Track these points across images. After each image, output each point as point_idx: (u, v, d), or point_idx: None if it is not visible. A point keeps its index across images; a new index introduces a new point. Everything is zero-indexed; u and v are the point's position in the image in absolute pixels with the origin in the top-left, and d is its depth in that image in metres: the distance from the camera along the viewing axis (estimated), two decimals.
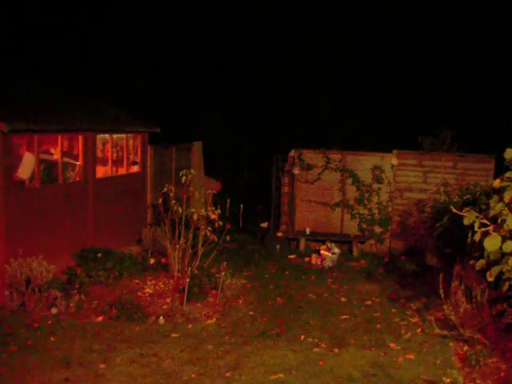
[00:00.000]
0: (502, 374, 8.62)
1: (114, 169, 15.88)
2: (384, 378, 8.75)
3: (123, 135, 16.10)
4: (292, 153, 18.09)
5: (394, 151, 17.59)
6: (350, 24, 29.15)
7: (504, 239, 7.25)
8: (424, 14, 28.73)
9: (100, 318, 11.01)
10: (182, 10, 29.08)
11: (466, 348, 9.73)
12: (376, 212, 17.69)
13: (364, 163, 17.72)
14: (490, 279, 7.84)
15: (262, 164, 21.47)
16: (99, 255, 13.42)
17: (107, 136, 15.50)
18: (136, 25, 27.90)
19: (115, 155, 16.01)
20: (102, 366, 8.92)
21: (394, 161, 17.47)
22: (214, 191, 16.74)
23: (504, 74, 26.42)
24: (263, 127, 26.54)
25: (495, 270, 7.70)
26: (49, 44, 25.69)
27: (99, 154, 15.45)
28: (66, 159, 13.94)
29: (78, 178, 14.26)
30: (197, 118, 26.03)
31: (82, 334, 10.24)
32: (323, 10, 29.66)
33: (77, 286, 11.96)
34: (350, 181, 17.78)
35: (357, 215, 17.81)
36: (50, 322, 10.68)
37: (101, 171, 15.27)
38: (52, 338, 9.95)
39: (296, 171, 17.86)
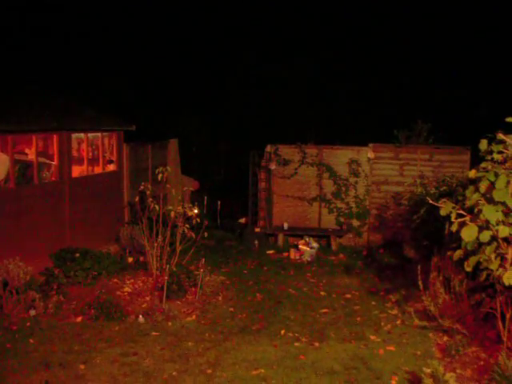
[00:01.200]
0: (482, 363, 8.69)
1: (90, 168, 15.78)
2: (365, 370, 8.78)
3: (98, 134, 16.01)
4: (268, 148, 18.09)
5: (370, 144, 17.65)
6: (326, 16, 29.18)
7: (481, 229, 7.31)
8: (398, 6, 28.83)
9: (79, 319, 10.93)
10: (157, 8, 28.96)
11: (445, 338, 9.80)
12: (353, 206, 17.75)
13: (340, 157, 17.77)
14: (468, 269, 7.92)
15: (238, 160, 21.44)
16: (77, 255, 13.32)
17: (82, 135, 15.40)
18: (112, 23, 27.74)
19: (91, 154, 15.91)
20: (82, 366, 8.86)
21: (371, 154, 17.54)
22: (192, 188, 16.74)
23: (478, 67, 26.60)
24: (239, 123, 26.49)
25: (473, 260, 7.77)
26: (21, 41, 25.45)
27: (75, 154, 15.35)
28: (41, 159, 13.83)
29: (53, 178, 14.16)
30: (172, 116, 25.91)
31: (62, 335, 10.16)
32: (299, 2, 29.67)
33: (55, 286, 11.85)
34: (326, 175, 17.82)
35: (334, 209, 17.85)
36: (28, 323, 10.59)
37: (77, 171, 15.17)
38: (31, 340, 9.86)
39: (273, 166, 17.87)
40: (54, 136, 14.12)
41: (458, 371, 8.48)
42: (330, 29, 28.94)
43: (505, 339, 8.21)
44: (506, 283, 7.27)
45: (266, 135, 20.58)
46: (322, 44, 28.45)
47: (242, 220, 19.11)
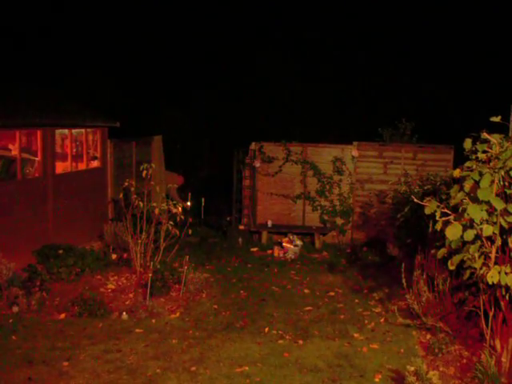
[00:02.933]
0: (465, 361, 8.74)
1: (74, 164, 15.70)
2: (349, 368, 8.80)
3: (82, 130, 15.94)
4: (253, 145, 18.11)
5: (355, 143, 17.70)
6: (309, 11, 29.17)
7: (465, 228, 7.36)
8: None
9: (62, 315, 10.89)
10: (143, 1, 28.88)
11: (428, 336, 9.84)
12: (337, 204, 17.79)
13: (325, 155, 17.81)
14: (452, 268, 7.96)
15: (223, 157, 21.41)
16: (60, 252, 13.26)
17: (66, 131, 15.33)
18: (93, 17, 27.60)
19: (75, 150, 15.84)
20: (66, 363, 8.82)
21: (355, 152, 17.58)
22: (176, 185, 16.68)
23: (460, 65, 26.72)
24: (224, 120, 26.47)
25: (456, 258, 7.81)
26: (4, 35, 25.24)
27: (58, 150, 15.28)
28: (24, 155, 13.76)
29: (37, 174, 14.08)
30: (157, 112, 25.85)
31: (45, 331, 10.12)
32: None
33: (38, 283, 11.77)
34: (311, 173, 17.85)
35: (318, 207, 17.89)
36: (11, 320, 10.52)
37: (60, 167, 15.10)
38: (14, 337, 9.81)
39: (257, 164, 17.88)
40: (38, 132, 14.04)
41: (441, 369, 8.53)
42: (315, 26, 28.93)
43: (487, 337, 8.25)
44: (490, 282, 7.32)
45: (250, 132, 20.59)
46: (307, 41, 28.44)
47: (228, 218, 19.09)
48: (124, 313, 10.94)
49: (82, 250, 13.88)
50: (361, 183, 17.73)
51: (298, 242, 16.31)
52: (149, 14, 28.90)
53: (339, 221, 17.81)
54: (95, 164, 16.51)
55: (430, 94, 26.70)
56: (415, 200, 8.54)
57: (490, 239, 7.53)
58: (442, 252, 8.12)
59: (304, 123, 24.70)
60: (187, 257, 12.52)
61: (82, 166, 16.02)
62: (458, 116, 23.89)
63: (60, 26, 26.70)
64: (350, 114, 26.31)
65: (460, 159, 8.33)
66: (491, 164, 7.41)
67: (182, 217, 13.08)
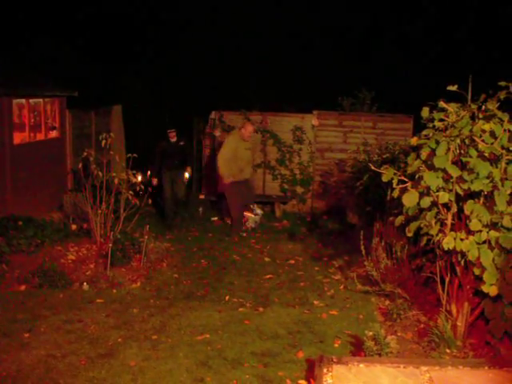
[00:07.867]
0: (422, 326, 8.90)
1: (32, 135, 15.52)
2: (308, 334, 8.92)
3: (40, 100, 15.73)
4: (213, 114, 18.07)
5: (315, 112, 17.76)
6: None
7: (421, 195, 7.49)
8: None
9: (23, 287, 10.83)
10: None
11: (387, 302, 9.99)
12: (297, 173, 17.87)
13: (285, 124, 17.84)
14: (409, 235, 8.10)
15: (183, 127, 21.32)
16: (20, 223, 13.14)
17: (23, 101, 15.12)
18: None
19: (33, 121, 15.64)
20: (27, 335, 8.78)
21: (315, 121, 17.65)
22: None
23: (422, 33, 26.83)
24: (184, 89, 26.27)
25: (414, 225, 7.94)
26: None
27: (16, 120, 15.07)
28: None
29: None
30: (115, 81, 25.54)
31: (5, 304, 10.04)
32: None
33: None
34: (271, 142, 17.89)
35: (278, 176, 17.95)
36: None
37: (18, 137, 14.90)
38: None
39: (217, 133, 17.87)
40: None
41: (399, 334, 8.68)
42: None
43: (444, 302, 8.41)
44: (445, 248, 7.46)
45: (211, 101, 20.51)
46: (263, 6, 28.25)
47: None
48: (85, 283, 10.93)
49: (42, 221, 13.77)
50: (321, 152, 17.83)
51: (259, 211, 16.31)
52: None
53: (299, 190, 17.91)
54: (54, 134, 16.34)
55: (391, 62, 26.76)
56: (373, 168, 8.64)
57: (446, 206, 7.65)
58: (399, 219, 8.24)
59: (264, 92, 24.61)
60: (147, 226, 12.48)
61: (40, 137, 15.84)
62: (418, 85, 24.00)
63: None
64: (311, 82, 26.26)
65: (420, 128, 8.42)
66: (447, 132, 7.51)
67: (142, 186, 13.07)
